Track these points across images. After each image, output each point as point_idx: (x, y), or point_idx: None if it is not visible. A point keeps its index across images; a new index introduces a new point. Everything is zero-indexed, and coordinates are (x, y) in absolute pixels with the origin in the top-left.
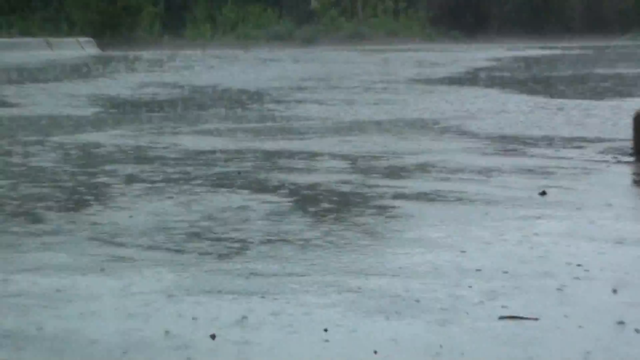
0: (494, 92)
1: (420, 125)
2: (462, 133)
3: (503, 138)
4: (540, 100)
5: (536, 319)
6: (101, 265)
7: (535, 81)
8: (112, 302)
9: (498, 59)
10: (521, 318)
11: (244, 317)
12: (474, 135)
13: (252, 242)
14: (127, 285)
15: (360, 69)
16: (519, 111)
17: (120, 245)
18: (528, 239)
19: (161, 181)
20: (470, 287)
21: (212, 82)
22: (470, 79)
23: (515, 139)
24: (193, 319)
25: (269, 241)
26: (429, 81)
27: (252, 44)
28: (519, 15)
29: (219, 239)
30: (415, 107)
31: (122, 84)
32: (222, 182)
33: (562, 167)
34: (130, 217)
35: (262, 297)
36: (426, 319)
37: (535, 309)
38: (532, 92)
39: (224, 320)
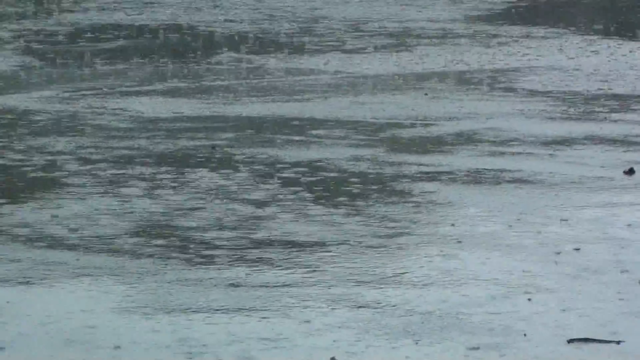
0: (566, 33)
1: (462, 80)
2: (520, 90)
3: (575, 96)
4: (635, 45)
5: (618, 342)
6: (26, 275)
7: (627, 18)
8: (41, 324)
9: None
10: (597, 341)
11: (224, 344)
12: (535, 93)
13: (231, 242)
14: (61, 302)
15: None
16: (600, 61)
17: (51, 247)
18: (609, 234)
19: (106, 160)
20: (529, 300)
21: (176, 21)
22: (534, 13)
23: (592, 98)
24: (155, 347)
25: (256, 241)
26: (475, 17)
27: None
28: None
29: (186, 239)
30: (455, 54)
31: (50, 25)
32: (189, 160)
33: None
34: (63, 209)
35: (247, 315)
36: (470, 343)
37: (615, 328)
38: (621, 33)
39: (196, 349)
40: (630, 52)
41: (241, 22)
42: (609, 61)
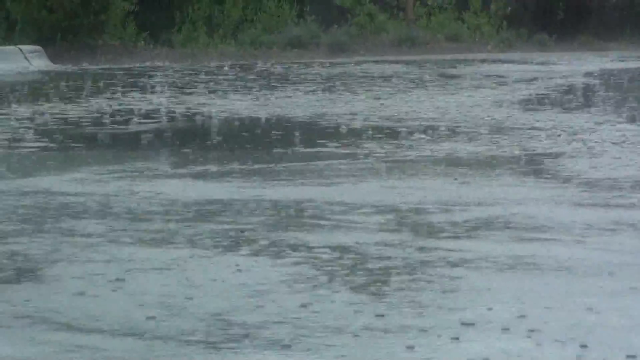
0: (596, 120)
1: (491, 166)
2: (549, 176)
3: (606, 183)
4: None
5: None
6: (52, 359)
7: None
8: None
9: (602, 74)
10: None
11: None
12: (565, 180)
13: (256, 327)
14: None
15: (409, 87)
16: (632, 149)
17: (78, 330)
18: (638, 322)
19: (134, 243)
20: None
21: (206, 108)
22: (563, 101)
23: (623, 185)
24: None
25: (280, 325)
26: (504, 104)
27: (260, 53)
28: (633, 10)
29: (210, 323)
30: (484, 139)
31: (82, 110)
32: (217, 244)
33: None
34: (91, 291)
35: None
36: None
37: None
38: None
39: None
40: None
41: (269, 106)
42: None
